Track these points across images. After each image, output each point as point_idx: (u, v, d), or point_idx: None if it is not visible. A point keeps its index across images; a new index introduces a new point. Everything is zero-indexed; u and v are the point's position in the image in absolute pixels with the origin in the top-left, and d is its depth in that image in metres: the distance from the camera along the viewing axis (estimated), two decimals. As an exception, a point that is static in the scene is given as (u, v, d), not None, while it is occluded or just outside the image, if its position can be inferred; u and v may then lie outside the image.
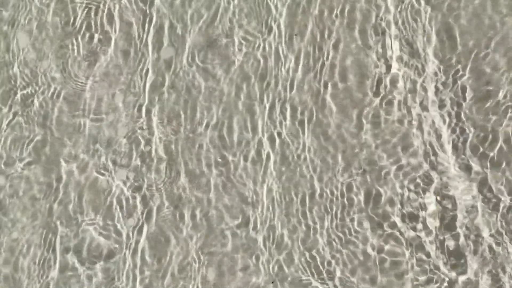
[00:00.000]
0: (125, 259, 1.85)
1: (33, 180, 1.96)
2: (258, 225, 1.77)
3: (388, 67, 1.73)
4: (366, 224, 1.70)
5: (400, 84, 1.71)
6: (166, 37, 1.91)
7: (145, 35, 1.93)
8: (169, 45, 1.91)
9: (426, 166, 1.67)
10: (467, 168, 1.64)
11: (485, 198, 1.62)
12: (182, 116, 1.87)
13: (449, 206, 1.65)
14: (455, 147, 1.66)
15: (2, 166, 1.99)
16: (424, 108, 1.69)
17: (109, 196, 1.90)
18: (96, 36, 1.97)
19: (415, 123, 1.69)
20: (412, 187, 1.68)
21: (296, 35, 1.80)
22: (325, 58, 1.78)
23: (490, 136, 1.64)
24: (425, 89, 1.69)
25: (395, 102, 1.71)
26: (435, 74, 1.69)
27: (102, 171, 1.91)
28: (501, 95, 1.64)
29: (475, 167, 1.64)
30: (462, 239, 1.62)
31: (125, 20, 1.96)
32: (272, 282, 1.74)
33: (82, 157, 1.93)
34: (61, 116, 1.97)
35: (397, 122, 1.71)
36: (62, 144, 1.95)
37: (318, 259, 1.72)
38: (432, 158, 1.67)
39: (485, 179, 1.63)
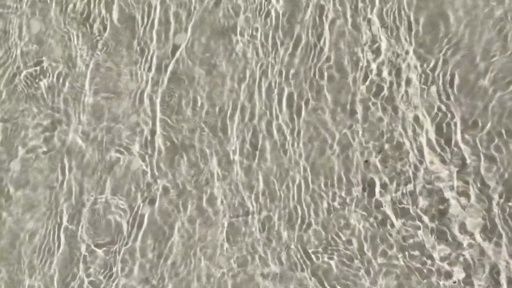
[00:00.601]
0: (126, 245, 1.89)
1: (47, 165, 1.99)
2: (255, 214, 1.79)
3: (374, 55, 1.74)
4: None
5: (385, 71, 1.72)
6: (172, 24, 1.92)
7: (148, 25, 1.95)
8: (177, 31, 1.92)
9: (412, 156, 1.68)
10: (456, 158, 1.64)
11: (477, 189, 1.62)
12: (184, 104, 1.89)
13: (438, 198, 1.65)
14: (440, 136, 1.66)
15: (18, 151, 2.02)
16: (410, 96, 1.69)
17: (122, 178, 1.93)
18: (96, 24, 1.99)
19: (401, 111, 1.70)
20: (400, 179, 1.69)
21: (298, 23, 1.81)
22: (321, 44, 1.79)
23: (479, 125, 1.64)
24: (410, 78, 1.70)
25: (382, 92, 1.72)
26: (422, 62, 1.69)
27: (114, 152, 1.94)
28: (487, 81, 1.64)
29: (466, 157, 1.64)
30: (455, 230, 1.63)
31: (128, 10, 1.98)
32: (276, 274, 1.76)
33: (95, 137, 1.95)
34: (68, 98, 2.00)
35: (382, 111, 1.72)
36: (73, 124, 1.98)
37: (315, 247, 1.74)
38: (418, 149, 1.68)
39: (477, 169, 1.63)
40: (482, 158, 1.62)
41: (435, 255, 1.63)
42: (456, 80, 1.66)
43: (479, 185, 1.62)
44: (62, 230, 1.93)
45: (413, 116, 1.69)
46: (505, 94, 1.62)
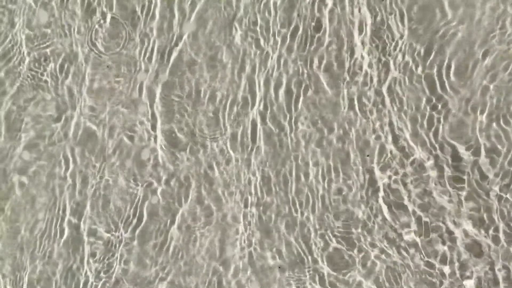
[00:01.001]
0: (127, 232, 1.91)
1: (51, 152, 2.00)
2: (254, 205, 1.80)
3: (368, 44, 1.73)
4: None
5: (373, 65, 1.71)
6: (175, 14, 1.92)
7: (150, 14, 1.94)
8: (179, 21, 1.91)
9: (394, 149, 1.68)
10: (450, 153, 1.64)
11: (473, 181, 1.61)
12: (185, 93, 1.89)
13: (432, 192, 1.65)
14: (431, 127, 1.66)
15: (21, 139, 2.03)
16: (401, 86, 1.69)
17: (124, 166, 1.94)
18: (96, 14, 1.99)
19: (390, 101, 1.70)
20: (394, 172, 1.69)
21: (298, 15, 1.80)
22: (320, 33, 1.78)
23: (476, 114, 1.63)
24: (401, 68, 1.69)
25: (371, 83, 1.72)
26: (413, 50, 1.68)
27: (116, 140, 1.94)
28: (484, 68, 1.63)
29: (460, 149, 1.63)
30: (449, 224, 1.63)
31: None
32: (279, 267, 1.76)
33: (98, 124, 1.96)
34: (71, 87, 2.00)
35: (374, 102, 1.72)
36: (77, 112, 1.98)
37: (314, 237, 1.75)
38: (409, 141, 1.68)
39: (472, 161, 1.62)
40: (482, 150, 1.61)
41: (430, 249, 1.64)
42: (452, 68, 1.65)
43: (475, 177, 1.61)
44: (66, 217, 1.95)
45: (403, 107, 1.68)
46: (501, 81, 1.60)
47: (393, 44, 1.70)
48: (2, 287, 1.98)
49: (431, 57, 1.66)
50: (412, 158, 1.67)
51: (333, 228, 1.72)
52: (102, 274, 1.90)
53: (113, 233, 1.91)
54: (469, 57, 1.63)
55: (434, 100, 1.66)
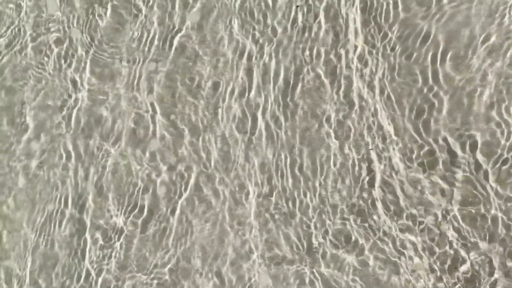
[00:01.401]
0: (128, 218, 1.93)
1: (67, 143, 2.02)
2: (250, 195, 1.81)
3: (360, 38, 1.73)
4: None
5: (367, 54, 1.71)
6: (176, 3, 1.93)
7: (150, 3, 1.96)
8: (180, 11, 1.92)
9: (394, 142, 1.68)
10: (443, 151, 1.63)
11: (469, 173, 1.61)
12: (186, 85, 1.90)
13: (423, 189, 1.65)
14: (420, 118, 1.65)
15: (36, 131, 2.05)
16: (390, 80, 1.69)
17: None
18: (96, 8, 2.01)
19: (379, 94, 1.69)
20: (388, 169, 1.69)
21: (297, 6, 1.80)
22: (317, 27, 1.78)
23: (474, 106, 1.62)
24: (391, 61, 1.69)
25: (365, 72, 1.72)
26: (404, 39, 1.68)
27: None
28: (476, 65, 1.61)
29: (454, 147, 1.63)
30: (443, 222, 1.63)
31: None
32: (280, 259, 1.77)
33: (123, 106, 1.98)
34: (73, 78, 2.03)
35: (367, 94, 1.71)
36: (80, 102, 2.01)
37: (312, 230, 1.75)
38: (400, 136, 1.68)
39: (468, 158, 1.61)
40: (478, 140, 1.60)
41: (424, 241, 1.63)
42: (448, 56, 1.64)
43: (470, 169, 1.60)
44: (68, 205, 1.98)
45: (398, 97, 1.68)
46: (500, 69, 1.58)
47: (387, 32, 1.69)
48: (3, 278, 2.02)
49: (427, 44, 1.65)
50: (408, 150, 1.66)
51: (331, 219, 1.72)
52: (104, 262, 1.93)
53: (115, 220, 1.93)
54: (466, 45, 1.62)
55: (429, 90, 1.65)
